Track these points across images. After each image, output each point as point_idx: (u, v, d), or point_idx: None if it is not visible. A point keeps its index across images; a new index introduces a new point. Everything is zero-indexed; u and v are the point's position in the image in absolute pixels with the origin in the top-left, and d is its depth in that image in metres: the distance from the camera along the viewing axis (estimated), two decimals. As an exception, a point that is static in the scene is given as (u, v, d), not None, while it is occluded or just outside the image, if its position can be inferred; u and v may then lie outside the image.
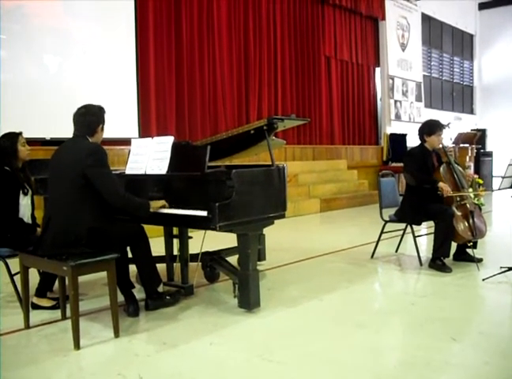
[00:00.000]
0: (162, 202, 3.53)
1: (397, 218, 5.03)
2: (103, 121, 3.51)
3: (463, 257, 4.94)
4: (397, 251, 5.47)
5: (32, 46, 6.63)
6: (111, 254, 3.14)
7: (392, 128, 13.03)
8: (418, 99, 14.26)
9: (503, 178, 4.40)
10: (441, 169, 4.79)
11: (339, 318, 3.49)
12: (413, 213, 4.83)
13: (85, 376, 2.67)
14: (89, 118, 3.44)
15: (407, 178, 4.88)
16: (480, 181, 5.17)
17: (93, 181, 3.24)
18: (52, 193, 3.41)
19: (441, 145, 4.93)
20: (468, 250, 4.85)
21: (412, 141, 10.83)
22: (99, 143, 3.48)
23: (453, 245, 4.82)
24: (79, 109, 3.47)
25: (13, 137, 3.82)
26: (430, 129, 4.87)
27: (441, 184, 4.64)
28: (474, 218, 4.71)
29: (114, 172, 3.51)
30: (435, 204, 4.72)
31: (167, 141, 3.75)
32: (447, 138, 4.64)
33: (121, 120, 7.13)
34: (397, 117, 13.38)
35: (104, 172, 3.30)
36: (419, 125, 5.09)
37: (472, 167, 12.26)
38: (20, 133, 3.88)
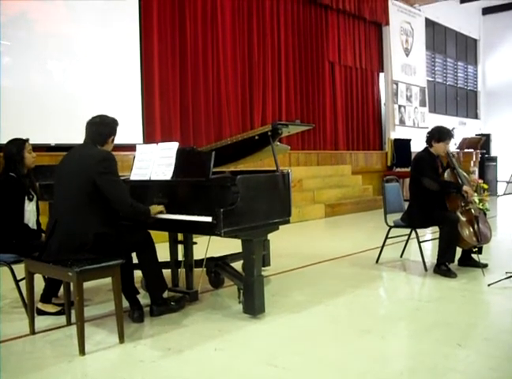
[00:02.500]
0: (160, 207, 3.53)
1: (405, 223, 4.99)
2: (114, 134, 3.52)
3: (468, 262, 4.93)
4: (401, 256, 5.46)
5: (36, 52, 6.67)
6: (116, 260, 3.15)
7: (396, 133, 13.02)
8: (422, 104, 14.26)
9: (508, 183, 4.40)
10: (445, 174, 4.78)
11: (344, 324, 3.49)
12: (422, 218, 4.81)
13: (90, 382, 2.68)
14: (102, 128, 3.45)
15: (427, 184, 4.70)
16: (485, 186, 5.16)
17: (102, 188, 3.24)
18: (59, 198, 3.40)
19: (445, 151, 4.93)
20: (474, 256, 4.84)
21: (417, 146, 10.82)
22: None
23: (458, 251, 4.80)
24: (93, 118, 3.48)
25: (19, 144, 3.82)
26: (440, 135, 4.83)
27: (466, 187, 4.62)
28: (479, 223, 4.69)
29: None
30: (440, 209, 4.71)
31: (172, 147, 3.77)
32: (451, 143, 4.63)
33: (125, 126, 7.03)
34: (401, 122, 13.37)
35: (114, 180, 3.30)
36: (425, 130, 5.07)
37: (477, 172, 12.22)
38: (27, 140, 3.88)
